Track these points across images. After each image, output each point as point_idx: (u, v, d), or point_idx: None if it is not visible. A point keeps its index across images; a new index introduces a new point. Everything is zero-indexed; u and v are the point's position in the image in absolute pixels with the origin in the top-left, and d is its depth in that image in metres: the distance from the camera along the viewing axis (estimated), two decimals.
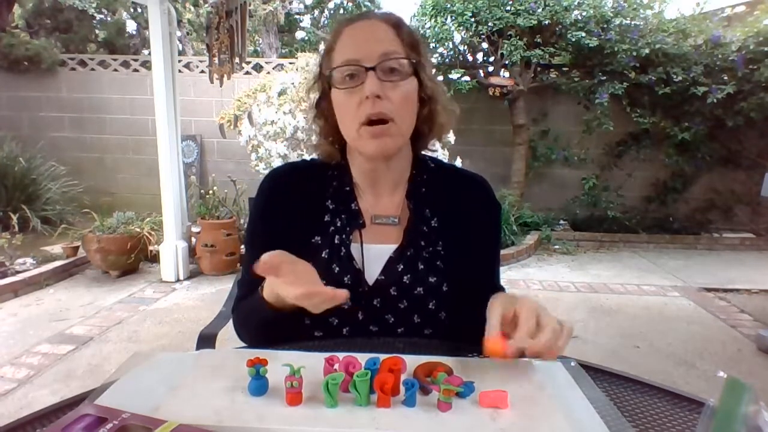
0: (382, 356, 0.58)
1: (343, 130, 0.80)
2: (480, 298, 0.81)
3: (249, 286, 0.86)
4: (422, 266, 0.80)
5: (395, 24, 0.78)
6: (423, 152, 0.91)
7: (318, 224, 0.83)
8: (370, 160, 0.82)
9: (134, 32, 10.06)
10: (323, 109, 0.84)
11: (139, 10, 9.01)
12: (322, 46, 0.85)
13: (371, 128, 0.75)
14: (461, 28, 4.75)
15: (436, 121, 0.84)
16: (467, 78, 5.15)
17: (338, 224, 0.82)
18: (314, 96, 0.85)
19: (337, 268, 0.79)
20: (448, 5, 4.74)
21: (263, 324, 0.76)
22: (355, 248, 0.81)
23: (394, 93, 0.75)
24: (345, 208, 0.84)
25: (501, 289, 0.90)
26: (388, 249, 0.81)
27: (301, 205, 0.84)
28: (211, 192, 3.87)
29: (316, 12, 11.13)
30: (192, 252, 3.75)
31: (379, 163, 0.82)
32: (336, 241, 0.81)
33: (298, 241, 0.82)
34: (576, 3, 4.75)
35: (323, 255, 0.80)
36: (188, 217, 3.86)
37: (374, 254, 0.81)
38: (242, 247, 0.92)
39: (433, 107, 0.82)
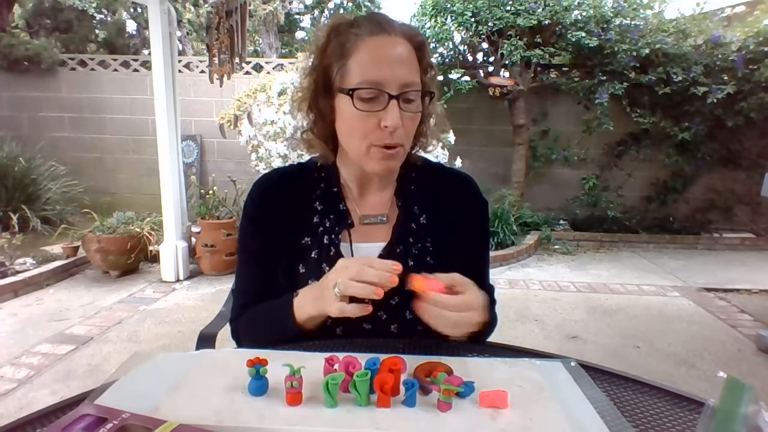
0: (382, 356, 0.58)
1: (348, 144, 0.80)
2: None
3: (246, 294, 0.87)
4: (412, 263, 0.81)
5: (418, 46, 0.77)
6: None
7: (307, 226, 0.84)
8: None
9: (134, 32, 10.07)
10: (321, 107, 0.81)
11: (139, 10, 9.01)
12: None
13: (383, 152, 0.76)
14: (461, 28, 4.75)
15: (425, 136, 0.87)
16: (467, 78, 5.15)
17: (327, 225, 0.83)
18: (310, 86, 0.81)
19: (327, 268, 0.80)
20: (448, 5, 4.74)
21: (283, 340, 0.75)
22: (344, 248, 0.82)
23: (406, 122, 0.76)
24: (333, 208, 0.85)
25: (489, 288, 0.90)
26: (377, 247, 0.83)
27: (289, 208, 0.85)
28: (211, 192, 3.87)
29: (316, 12, 11.14)
30: (192, 252, 3.75)
31: None
32: (325, 242, 0.82)
33: (288, 244, 0.83)
34: (576, 3, 4.75)
35: (312, 255, 0.81)
36: (188, 217, 3.86)
37: (364, 253, 0.82)
38: None
39: (426, 127, 0.85)
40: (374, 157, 0.76)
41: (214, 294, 3.30)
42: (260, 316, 0.82)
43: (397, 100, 0.73)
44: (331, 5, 10.90)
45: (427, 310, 0.65)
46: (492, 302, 0.89)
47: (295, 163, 0.93)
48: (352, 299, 0.66)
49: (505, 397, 0.53)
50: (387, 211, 0.86)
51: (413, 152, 0.89)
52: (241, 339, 0.86)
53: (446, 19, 4.81)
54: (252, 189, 0.88)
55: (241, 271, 0.89)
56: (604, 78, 4.75)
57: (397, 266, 0.65)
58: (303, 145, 0.88)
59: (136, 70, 5.68)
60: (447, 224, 0.85)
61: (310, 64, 0.81)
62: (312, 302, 0.72)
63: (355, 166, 0.83)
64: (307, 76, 0.82)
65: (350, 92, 0.74)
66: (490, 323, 0.85)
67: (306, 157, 0.93)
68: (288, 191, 0.86)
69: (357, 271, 0.64)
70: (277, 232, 0.84)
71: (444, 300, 0.65)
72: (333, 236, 0.82)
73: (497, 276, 3.85)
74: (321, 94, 0.80)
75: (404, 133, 0.76)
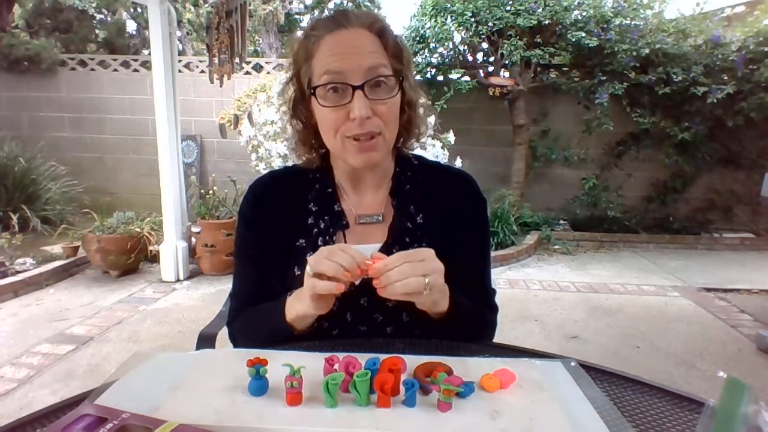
0: (382, 356, 0.58)
1: (326, 141, 0.79)
2: (468, 297, 0.80)
3: (243, 297, 0.86)
4: None
5: (379, 32, 0.76)
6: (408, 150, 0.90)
7: (301, 227, 0.83)
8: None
9: (134, 32, 10.07)
10: (301, 113, 0.83)
11: (139, 10, 9.01)
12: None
13: (358, 143, 0.74)
14: (461, 28, 4.75)
15: (415, 124, 0.84)
16: (467, 78, 5.14)
17: (321, 226, 0.83)
18: (289, 95, 0.83)
19: None
20: (448, 5, 4.74)
21: (277, 341, 0.75)
22: None
23: (381, 109, 0.74)
24: (328, 209, 0.84)
25: (489, 291, 0.89)
26: (373, 248, 0.81)
27: (284, 210, 0.84)
28: (211, 192, 3.87)
29: (316, 12, 11.12)
30: (192, 252, 3.75)
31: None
32: (320, 243, 0.81)
33: (284, 247, 0.82)
34: (576, 3, 4.75)
35: (308, 257, 0.80)
36: (188, 217, 3.86)
37: None
38: None
39: (413, 114, 0.83)
40: (350, 150, 0.76)
41: (214, 294, 3.30)
42: (255, 317, 0.82)
43: (362, 89, 0.72)
44: (331, 5, 10.89)
45: (385, 279, 0.64)
46: (491, 308, 0.88)
47: (295, 163, 0.92)
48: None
49: (511, 377, 0.55)
50: (383, 211, 0.85)
51: (407, 144, 0.87)
52: (237, 341, 0.86)
53: (446, 19, 4.81)
54: (246, 193, 0.87)
55: (237, 275, 0.88)
56: (604, 78, 4.74)
57: (374, 258, 0.66)
58: (293, 154, 0.89)
59: (136, 70, 5.68)
60: (444, 224, 0.84)
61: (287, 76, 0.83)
62: (300, 299, 0.72)
63: (346, 165, 0.82)
64: (286, 87, 0.83)
65: (312, 90, 0.75)
66: (461, 313, 0.79)
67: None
68: (282, 193, 0.86)
69: (329, 251, 0.65)
70: (272, 235, 0.83)
71: (379, 264, 0.65)
72: (328, 238, 0.82)
73: (497, 276, 3.84)
74: (299, 100, 0.82)
75: (380, 122, 0.74)
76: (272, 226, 0.84)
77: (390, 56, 0.76)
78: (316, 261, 0.65)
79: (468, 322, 0.79)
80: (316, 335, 0.77)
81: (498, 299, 0.91)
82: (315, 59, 0.75)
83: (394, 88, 0.75)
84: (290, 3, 10.27)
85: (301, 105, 0.82)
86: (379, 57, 0.74)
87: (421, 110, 0.85)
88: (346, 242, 0.82)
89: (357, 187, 0.86)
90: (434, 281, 0.65)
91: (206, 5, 4.12)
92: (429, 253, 0.67)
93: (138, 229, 3.63)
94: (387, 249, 0.81)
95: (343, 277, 0.63)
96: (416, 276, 0.63)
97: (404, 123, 0.82)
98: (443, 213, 0.85)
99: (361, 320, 0.79)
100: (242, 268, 0.88)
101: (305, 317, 0.73)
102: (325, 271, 0.64)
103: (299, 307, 0.72)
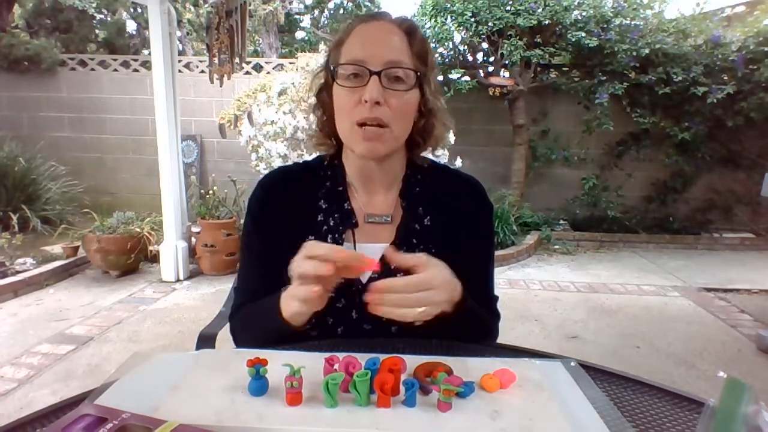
0: (382, 356, 0.58)
1: (337, 125, 0.81)
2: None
3: (247, 292, 0.86)
4: None
5: (408, 31, 0.78)
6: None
7: (311, 224, 0.84)
8: (361, 158, 0.83)
9: (134, 32, 10.07)
10: (323, 100, 0.84)
11: (139, 10, 9.01)
12: (323, 46, 0.84)
13: (363, 130, 0.75)
14: (461, 28, 4.76)
15: (432, 133, 0.85)
16: (467, 78, 5.15)
17: (331, 224, 0.83)
18: (318, 84, 0.85)
19: None
20: (448, 5, 4.75)
21: (275, 336, 0.74)
22: (348, 248, 0.81)
23: (394, 101, 0.75)
24: (338, 207, 0.84)
25: (492, 297, 0.90)
26: (380, 247, 0.81)
27: (293, 207, 0.85)
28: (211, 192, 3.87)
29: (316, 12, 11.15)
30: (192, 252, 3.75)
31: (371, 162, 0.83)
32: (329, 241, 0.82)
33: (291, 243, 0.82)
34: (576, 3, 4.75)
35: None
36: (188, 217, 3.86)
37: (367, 253, 0.80)
38: None
39: (431, 121, 0.83)
40: (356, 136, 0.77)
41: (214, 294, 3.30)
42: (253, 314, 0.82)
43: (378, 76, 0.73)
44: (331, 5, 10.90)
45: (380, 299, 0.62)
46: (494, 315, 0.89)
47: (306, 159, 0.93)
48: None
49: (511, 377, 0.55)
50: (392, 212, 0.85)
51: (422, 152, 0.87)
52: (236, 337, 0.86)
53: (446, 19, 4.81)
54: (256, 188, 0.88)
55: (242, 270, 0.88)
56: (604, 78, 4.75)
57: (386, 254, 0.65)
58: (309, 142, 0.90)
59: (136, 70, 5.68)
60: (451, 227, 0.85)
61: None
62: (291, 298, 0.71)
63: (358, 162, 0.83)
64: (318, 75, 0.85)
65: (334, 69, 0.77)
66: (471, 317, 0.78)
67: (308, 156, 0.93)
68: (292, 189, 0.86)
69: (308, 249, 0.64)
70: (280, 231, 0.83)
71: (382, 283, 0.62)
72: (336, 236, 0.82)
73: (497, 276, 3.83)
74: (324, 86, 0.84)
75: (390, 114, 0.75)
76: (280, 222, 0.84)
77: (414, 55, 0.77)
78: (296, 264, 0.64)
79: (472, 325, 0.79)
80: (321, 333, 0.77)
81: (498, 300, 0.91)
82: (344, 45, 0.78)
83: (411, 84, 0.77)
84: (290, 3, 10.27)
85: (325, 92, 0.83)
86: (402, 53, 0.76)
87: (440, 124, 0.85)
88: (354, 241, 0.82)
89: (368, 186, 0.86)
90: (429, 312, 0.64)
91: (206, 5, 4.12)
92: (439, 280, 0.65)
93: (138, 229, 3.63)
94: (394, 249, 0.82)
95: (325, 271, 0.62)
96: (411, 308, 0.62)
97: (421, 129, 0.83)
98: (450, 217, 0.85)
99: (366, 319, 0.79)
100: (248, 263, 0.88)
101: (301, 314, 0.72)
102: (306, 271, 0.63)
103: (293, 305, 0.71)
